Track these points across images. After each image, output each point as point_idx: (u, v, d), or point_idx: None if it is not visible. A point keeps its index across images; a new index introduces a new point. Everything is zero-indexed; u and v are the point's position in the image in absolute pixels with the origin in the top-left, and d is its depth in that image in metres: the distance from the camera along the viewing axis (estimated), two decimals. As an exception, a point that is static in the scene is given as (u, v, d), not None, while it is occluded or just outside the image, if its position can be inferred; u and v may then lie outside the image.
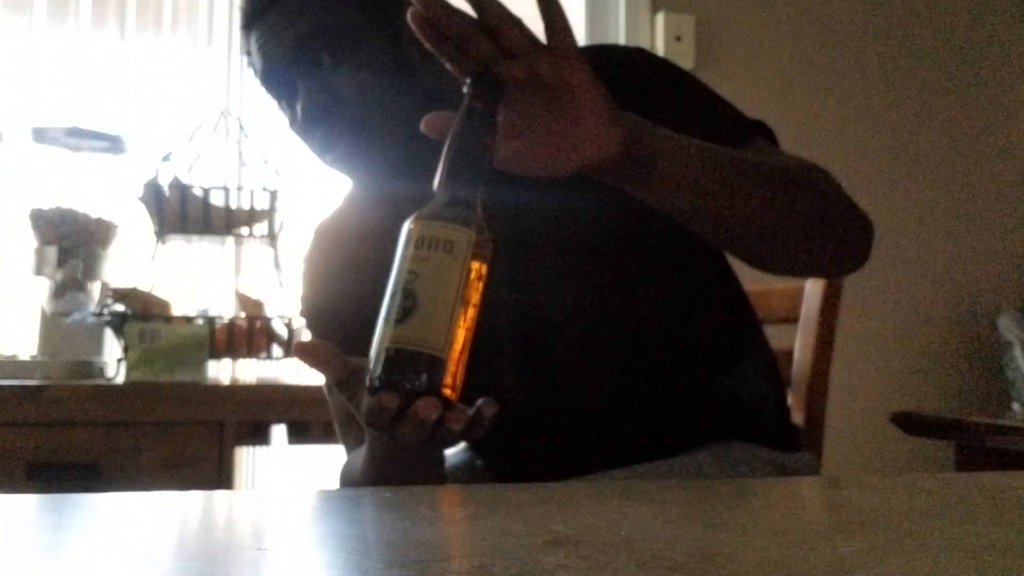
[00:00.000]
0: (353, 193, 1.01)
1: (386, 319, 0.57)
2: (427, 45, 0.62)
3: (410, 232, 0.59)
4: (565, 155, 0.64)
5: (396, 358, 0.57)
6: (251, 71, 0.91)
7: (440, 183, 0.62)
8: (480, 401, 0.60)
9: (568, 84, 0.62)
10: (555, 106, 0.63)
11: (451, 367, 0.58)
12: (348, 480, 0.89)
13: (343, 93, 0.82)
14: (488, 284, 0.59)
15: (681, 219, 0.73)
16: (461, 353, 0.58)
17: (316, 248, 1.01)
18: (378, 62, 0.84)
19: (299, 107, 0.83)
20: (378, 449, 0.75)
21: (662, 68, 0.89)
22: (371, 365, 0.58)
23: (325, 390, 0.97)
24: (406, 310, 0.56)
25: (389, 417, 0.57)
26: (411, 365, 0.57)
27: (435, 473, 0.81)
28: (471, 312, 0.59)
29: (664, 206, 0.71)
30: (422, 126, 0.65)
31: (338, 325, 0.96)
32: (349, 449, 0.94)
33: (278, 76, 0.85)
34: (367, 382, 0.58)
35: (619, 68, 0.81)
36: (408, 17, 0.61)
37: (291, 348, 0.66)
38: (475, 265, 0.59)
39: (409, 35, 0.86)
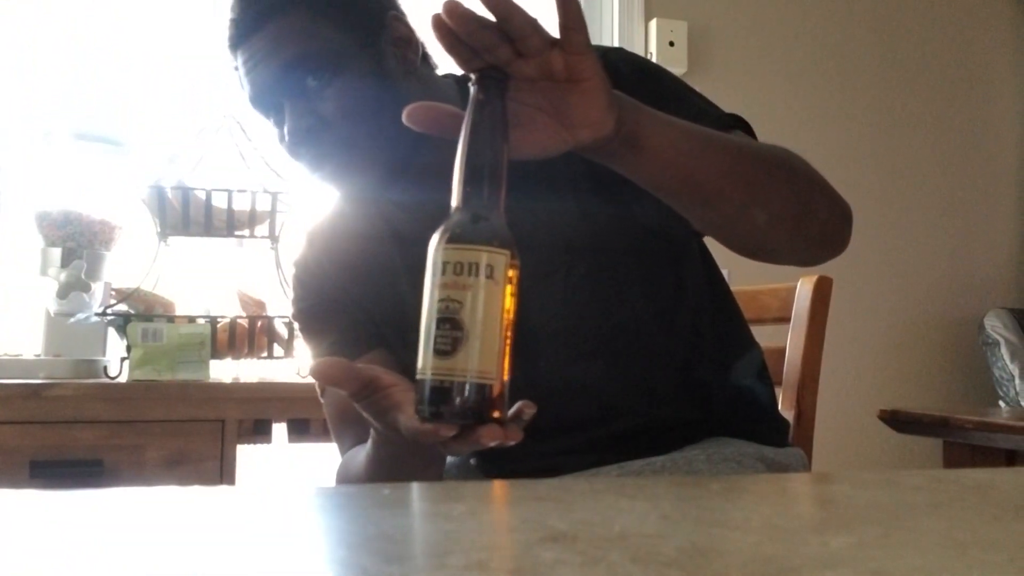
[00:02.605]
0: (343, 198, 1.01)
1: (434, 350, 0.57)
2: (442, 46, 0.61)
3: (444, 255, 0.57)
4: (559, 138, 0.64)
5: (450, 390, 0.57)
6: (240, 85, 0.91)
7: (462, 198, 0.59)
8: (520, 403, 0.61)
9: (576, 79, 0.62)
10: (557, 96, 0.63)
11: (501, 390, 0.58)
12: (346, 478, 0.90)
13: (329, 115, 0.83)
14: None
15: (665, 197, 0.73)
16: (508, 372, 0.58)
17: (308, 251, 1.02)
18: (363, 82, 0.84)
19: (286, 129, 0.84)
20: (385, 450, 0.76)
21: (639, 66, 0.90)
22: (422, 394, 0.58)
23: (318, 391, 0.98)
24: (455, 341, 0.56)
25: (444, 440, 0.59)
26: (466, 396, 0.57)
27: (438, 470, 0.82)
28: (511, 330, 0.58)
29: (648, 182, 0.71)
30: (404, 117, 0.63)
31: (331, 326, 0.97)
32: (344, 449, 0.95)
33: (265, 97, 0.86)
34: (416, 410, 0.58)
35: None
36: (431, 23, 0.59)
37: (309, 369, 0.66)
38: (512, 284, 0.58)
39: (392, 52, 0.87)
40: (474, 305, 0.56)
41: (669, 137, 0.69)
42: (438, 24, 0.59)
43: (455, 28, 0.59)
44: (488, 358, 0.57)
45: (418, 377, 0.58)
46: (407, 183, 0.87)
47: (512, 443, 0.59)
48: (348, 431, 0.94)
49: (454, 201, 0.60)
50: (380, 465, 0.79)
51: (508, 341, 0.58)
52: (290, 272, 1.04)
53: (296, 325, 1.04)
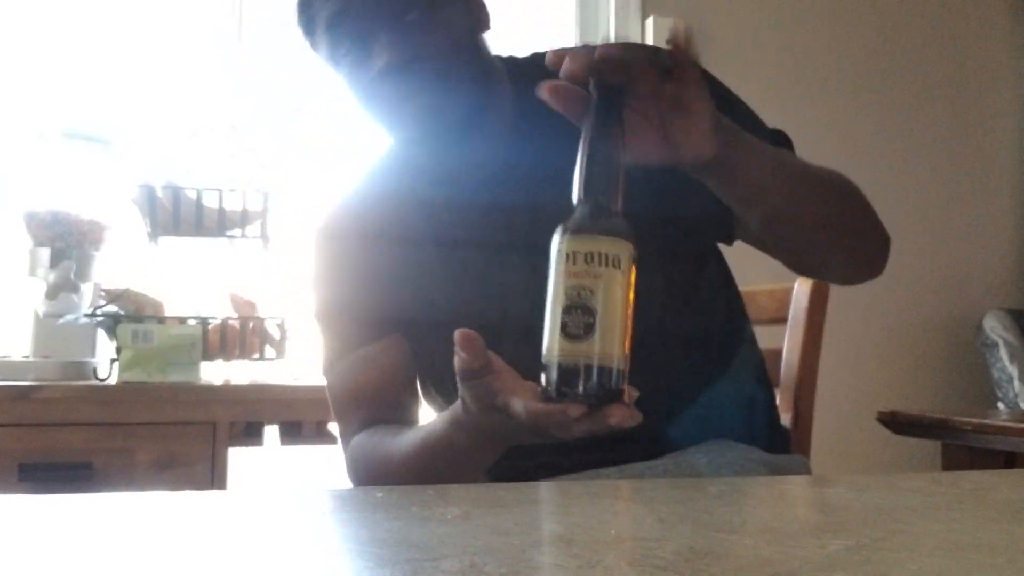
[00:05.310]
0: (375, 172, 1.01)
1: (565, 333, 0.60)
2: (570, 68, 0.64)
3: (575, 245, 0.61)
4: (660, 152, 0.68)
5: (582, 371, 0.60)
6: (305, 23, 0.90)
7: (587, 192, 0.63)
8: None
9: (684, 107, 0.66)
10: (664, 114, 0.67)
11: (625, 372, 0.62)
12: (369, 469, 0.90)
13: (425, 50, 0.84)
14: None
15: (743, 213, 0.79)
16: (630, 357, 0.62)
17: (333, 219, 1.00)
18: (455, 24, 0.86)
19: (384, 60, 0.84)
20: (454, 442, 0.76)
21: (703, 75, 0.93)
22: (549, 375, 0.61)
23: (326, 363, 0.98)
24: (588, 326, 0.60)
25: (565, 422, 0.61)
26: (596, 378, 0.60)
27: (483, 470, 0.83)
28: (632, 317, 0.62)
29: (731, 198, 0.76)
30: (544, 91, 0.66)
31: (350, 306, 0.96)
32: (348, 429, 0.94)
33: (353, 26, 0.85)
34: (543, 391, 0.62)
35: None
36: (597, 55, 0.63)
37: (457, 336, 0.67)
38: (634, 273, 0.62)
39: (471, 7, 0.89)
40: (605, 292, 0.60)
41: (759, 162, 0.74)
42: (607, 58, 0.63)
43: (629, 68, 0.64)
44: (616, 342, 0.60)
45: (544, 360, 0.61)
46: (466, 141, 0.88)
47: (632, 424, 0.62)
48: (356, 412, 0.94)
49: (578, 194, 0.63)
50: (433, 459, 0.79)
51: (630, 327, 0.62)
52: (312, 239, 1.02)
53: (314, 296, 1.02)
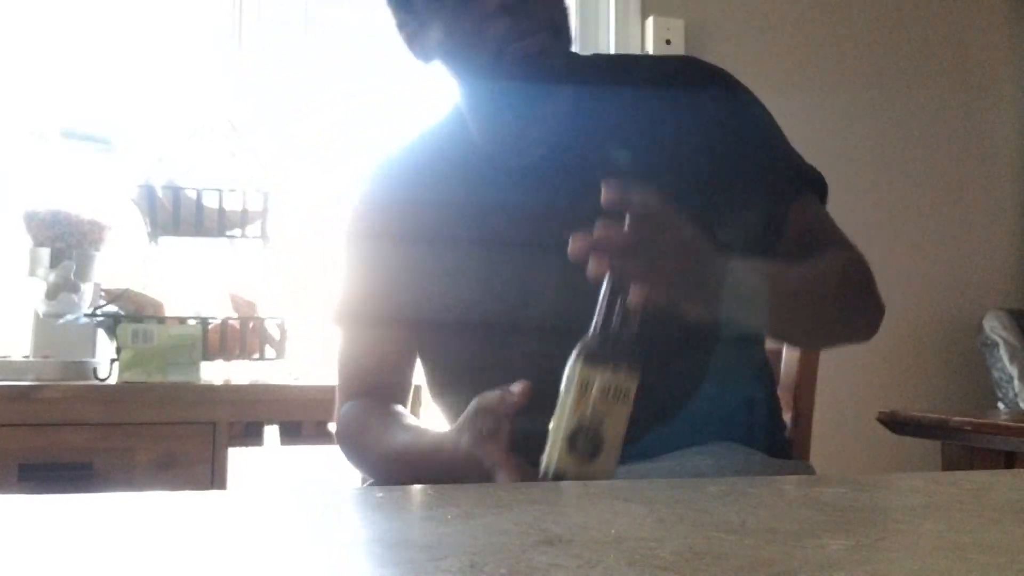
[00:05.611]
0: (416, 148, 1.02)
1: (572, 452, 0.68)
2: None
3: (587, 373, 0.68)
4: (662, 294, 0.71)
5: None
6: None
7: (603, 324, 0.69)
8: None
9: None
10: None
11: None
12: (353, 435, 0.96)
13: None
14: None
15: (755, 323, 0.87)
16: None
17: (376, 188, 1.02)
18: None
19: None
20: (436, 459, 0.82)
21: (750, 96, 0.98)
22: (546, 479, 0.68)
23: (344, 319, 1.02)
24: (590, 450, 0.68)
25: None
26: None
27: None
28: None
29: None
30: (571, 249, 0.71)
31: (370, 283, 1.00)
32: (344, 394, 1.00)
33: None
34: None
35: (716, 86, 0.97)
36: (590, 267, 0.69)
37: (518, 388, 0.76)
38: (634, 399, 0.69)
39: None
40: (610, 423, 0.68)
41: (771, 300, 0.81)
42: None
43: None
44: (611, 465, 0.68)
45: (543, 467, 0.69)
46: (538, 105, 0.90)
47: None
48: (355, 381, 0.99)
49: (597, 322, 0.69)
50: (406, 466, 0.86)
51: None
52: (351, 202, 1.05)
53: (345, 258, 1.04)
